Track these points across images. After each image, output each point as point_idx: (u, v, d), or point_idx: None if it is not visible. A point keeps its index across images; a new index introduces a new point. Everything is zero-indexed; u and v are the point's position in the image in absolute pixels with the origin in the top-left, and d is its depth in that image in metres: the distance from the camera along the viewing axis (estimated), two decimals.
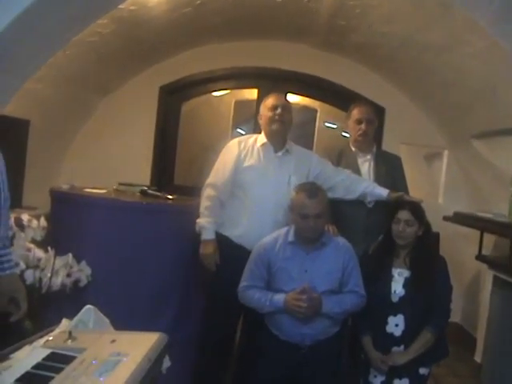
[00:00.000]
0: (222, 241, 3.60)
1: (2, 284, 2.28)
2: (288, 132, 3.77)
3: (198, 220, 3.60)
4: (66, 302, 3.19)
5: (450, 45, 4.22)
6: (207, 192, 3.63)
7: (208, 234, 3.57)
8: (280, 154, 3.69)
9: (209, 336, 3.68)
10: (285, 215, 3.45)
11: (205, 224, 3.57)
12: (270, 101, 3.71)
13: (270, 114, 3.66)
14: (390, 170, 3.92)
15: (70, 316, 2.20)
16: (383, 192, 3.67)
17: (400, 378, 3.07)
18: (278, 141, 3.69)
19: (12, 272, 2.34)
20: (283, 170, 3.64)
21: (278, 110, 3.64)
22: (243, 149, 3.67)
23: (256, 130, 3.79)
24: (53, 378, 1.55)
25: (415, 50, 4.84)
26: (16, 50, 3.06)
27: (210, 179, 3.66)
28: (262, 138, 3.71)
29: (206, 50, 5.93)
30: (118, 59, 5.27)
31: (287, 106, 3.74)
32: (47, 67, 3.91)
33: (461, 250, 5.49)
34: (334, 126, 6.65)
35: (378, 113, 4.56)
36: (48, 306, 3.20)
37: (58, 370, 1.60)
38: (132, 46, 5.12)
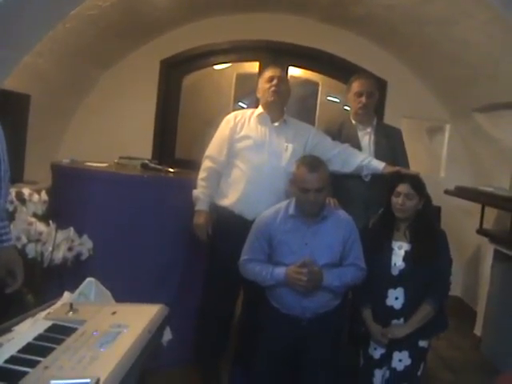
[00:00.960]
0: (223, 213, 3.62)
1: (0, 256, 2.29)
2: (285, 103, 3.80)
3: (193, 190, 3.64)
4: (68, 275, 3.21)
5: (453, 18, 4.19)
6: (204, 164, 3.69)
7: (201, 205, 3.61)
8: (277, 124, 3.71)
9: (208, 309, 3.71)
10: (285, 183, 3.47)
11: (199, 194, 3.62)
12: (266, 73, 3.74)
13: (266, 85, 3.70)
14: (390, 142, 3.91)
15: (72, 289, 2.22)
16: (379, 165, 3.67)
17: (400, 351, 3.08)
18: (274, 111, 3.71)
19: (10, 244, 2.36)
20: (280, 138, 3.67)
21: (274, 81, 3.67)
22: (239, 120, 3.71)
23: (258, 103, 3.80)
24: (54, 348, 1.57)
25: (418, 23, 4.80)
26: (14, 24, 3.04)
27: (208, 151, 3.72)
28: (259, 110, 3.75)
29: (207, 23, 5.89)
30: (118, 33, 5.23)
31: (283, 78, 3.78)
32: (47, 41, 3.90)
33: (462, 224, 5.51)
34: (337, 100, 6.62)
35: (379, 86, 4.53)
36: (50, 280, 3.22)
37: (60, 341, 1.62)
38: (132, 19, 5.08)
